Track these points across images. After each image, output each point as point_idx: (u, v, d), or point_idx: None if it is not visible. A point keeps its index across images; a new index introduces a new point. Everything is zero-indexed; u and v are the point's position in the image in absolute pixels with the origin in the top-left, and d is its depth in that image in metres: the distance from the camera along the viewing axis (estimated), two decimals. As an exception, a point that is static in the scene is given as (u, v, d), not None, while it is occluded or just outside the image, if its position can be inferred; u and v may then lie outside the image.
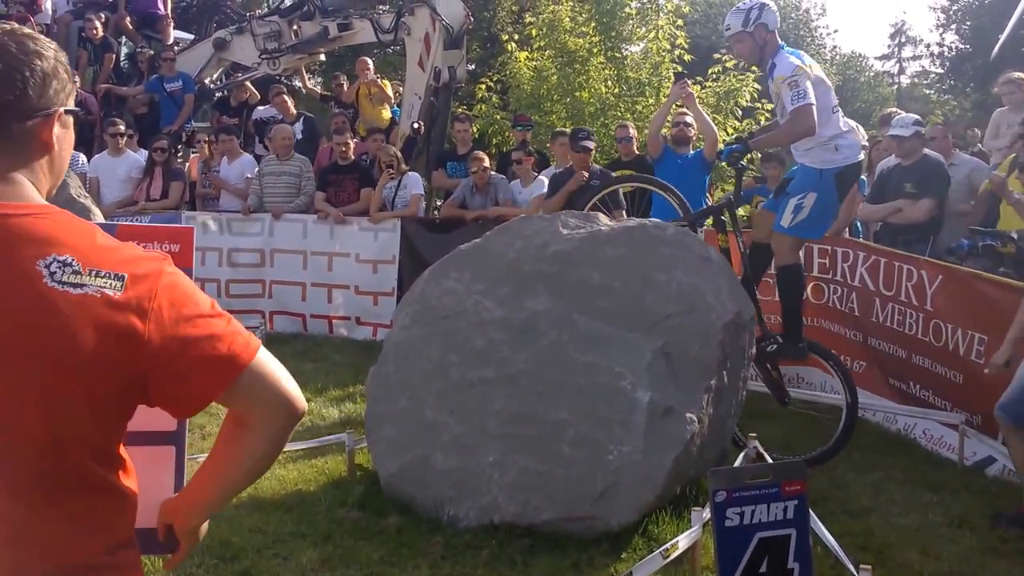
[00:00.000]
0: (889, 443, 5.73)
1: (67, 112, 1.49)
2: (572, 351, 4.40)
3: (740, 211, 6.10)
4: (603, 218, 5.04)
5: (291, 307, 8.56)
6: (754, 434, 4.81)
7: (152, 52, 11.74)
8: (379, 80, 10.85)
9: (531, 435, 4.23)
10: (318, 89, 14.08)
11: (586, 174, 7.51)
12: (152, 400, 1.46)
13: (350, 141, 9.10)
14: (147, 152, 9.41)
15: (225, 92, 11.98)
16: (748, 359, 4.90)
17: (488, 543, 3.96)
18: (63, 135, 1.50)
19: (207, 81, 11.83)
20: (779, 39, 5.36)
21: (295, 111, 10.51)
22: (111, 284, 1.38)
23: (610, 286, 4.59)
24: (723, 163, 5.60)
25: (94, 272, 1.37)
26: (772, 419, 5.73)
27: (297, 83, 13.08)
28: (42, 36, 1.47)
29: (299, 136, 9.83)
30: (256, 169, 9.12)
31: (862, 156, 5.68)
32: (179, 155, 10.28)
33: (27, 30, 1.46)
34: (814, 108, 4.98)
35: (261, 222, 8.67)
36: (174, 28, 13.08)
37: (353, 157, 9.04)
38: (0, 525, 1.35)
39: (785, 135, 5.36)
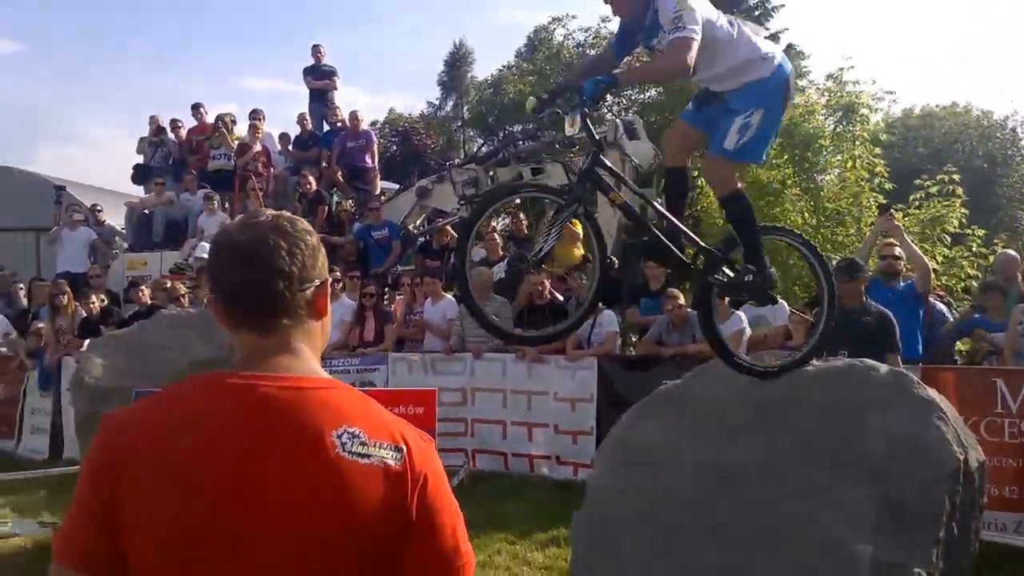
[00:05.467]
0: None
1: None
2: (782, 502, 4.20)
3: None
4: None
5: (493, 445, 8.66)
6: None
7: (357, 203, 12.71)
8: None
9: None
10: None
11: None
12: (397, 572, 1.52)
13: (546, 280, 9.35)
14: (356, 298, 10.06)
15: (427, 236, 12.73)
16: (980, 509, 4.50)
17: None
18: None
19: (411, 227, 12.63)
20: None
21: (502, 251, 10.98)
22: (392, 455, 1.48)
23: (820, 431, 4.39)
24: (586, 98, 4.25)
25: (377, 444, 1.48)
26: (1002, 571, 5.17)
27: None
28: (302, 219, 1.66)
29: (501, 275, 10.22)
30: (458, 310, 9.51)
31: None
32: (386, 298, 10.91)
33: (290, 215, 1.64)
34: (695, 43, 4.19)
35: (463, 361, 8.97)
36: (380, 179, 14.18)
37: (550, 296, 9.26)
38: None
39: (655, 68, 4.62)
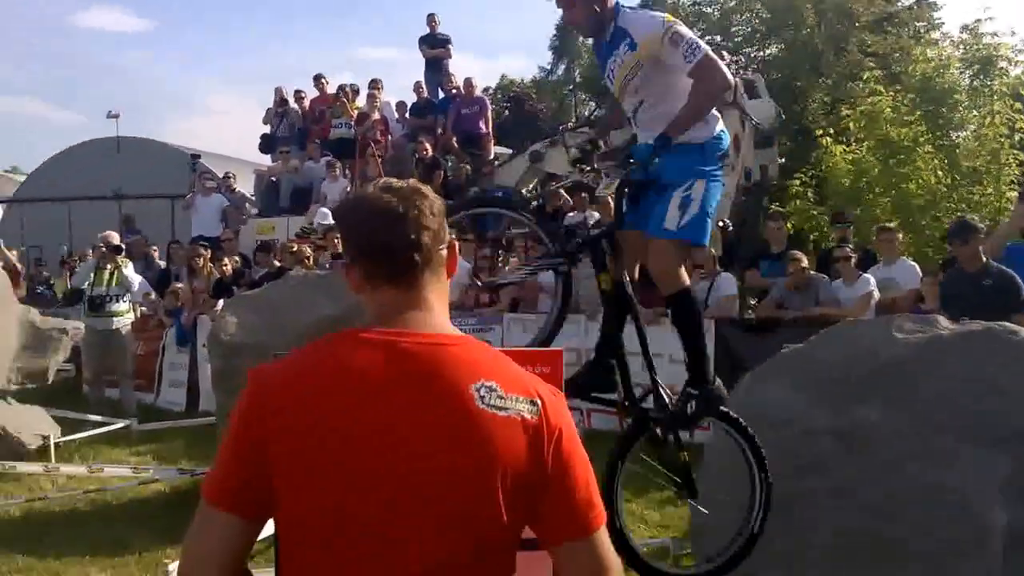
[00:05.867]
0: None
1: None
2: (909, 465, 4.07)
3: None
4: (943, 321, 4.66)
5: (608, 405, 8.64)
6: None
7: (471, 168, 12.84)
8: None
9: (863, 553, 3.95)
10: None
11: None
12: (532, 520, 1.58)
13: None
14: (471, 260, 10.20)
15: (541, 200, 12.75)
16: None
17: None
18: None
19: (524, 191, 12.67)
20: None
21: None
22: (528, 408, 1.54)
23: (951, 394, 4.22)
24: (634, 165, 3.79)
25: (514, 397, 1.53)
26: None
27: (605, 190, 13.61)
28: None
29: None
30: (573, 273, 9.52)
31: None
32: (500, 260, 11.01)
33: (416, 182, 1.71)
34: (712, 53, 3.83)
35: (577, 323, 8.92)
36: (494, 144, 14.26)
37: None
38: None
39: (704, 97, 3.83)
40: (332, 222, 12.55)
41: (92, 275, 9.90)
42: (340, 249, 10.57)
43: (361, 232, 1.63)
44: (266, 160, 16.49)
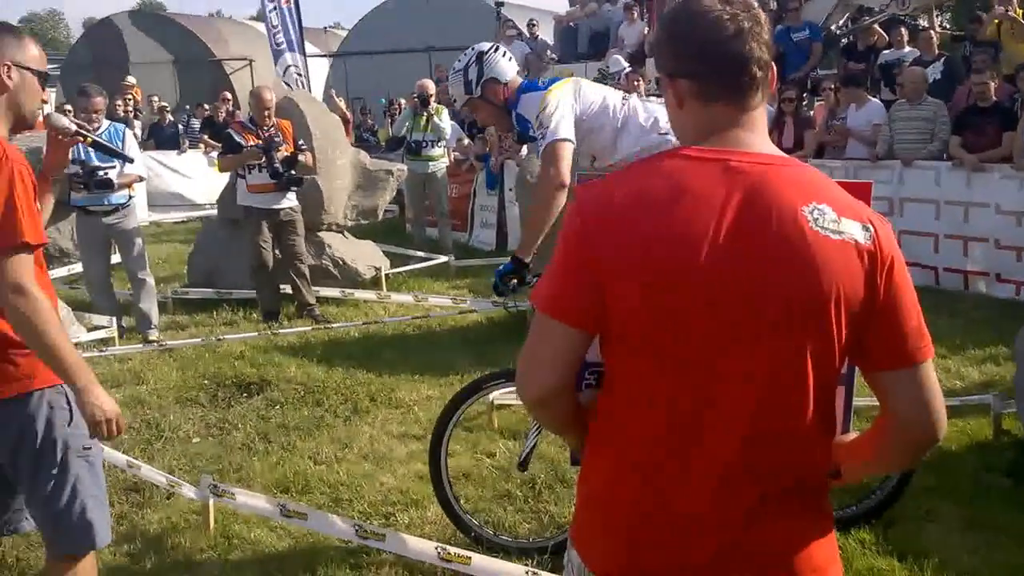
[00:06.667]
0: None
1: None
2: None
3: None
4: None
5: (922, 259, 8.10)
6: None
7: (775, 4, 12.07)
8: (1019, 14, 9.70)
9: None
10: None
11: None
12: (855, 352, 1.55)
13: (990, 82, 8.33)
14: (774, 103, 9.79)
15: (851, 37, 11.82)
16: None
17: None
18: None
19: (833, 27, 11.79)
20: (520, 81, 4.13)
21: (936, 51, 9.95)
22: (862, 233, 1.49)
23: None
24: (499, 290, 3.85)
25: (847, 221, 1.49)
26: None
27: (923, 23, 12.32)
28: None
29: (937, 76, 9.31)
30: (885, 115, 8.89)
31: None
32: (805, 103, 10.48)
33: None
34: (569, 140, 3.80)
35: (890, 170, 8.46)
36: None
37: (995, 98, 8.27)
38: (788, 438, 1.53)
39: (537, 209, 3.78)
40: (627, 67, 12.52)
41: (410, 122, 10.72)
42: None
43: (702, 41, 1.54)
44: (567, 7, 16.57)
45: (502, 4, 16.66)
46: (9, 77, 2.48)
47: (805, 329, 1.47)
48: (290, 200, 7.41)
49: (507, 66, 4.13)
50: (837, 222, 1.47)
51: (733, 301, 1.46)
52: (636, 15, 13.65)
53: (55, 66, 31.79)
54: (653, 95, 10.63)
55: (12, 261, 2.35)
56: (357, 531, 3.54)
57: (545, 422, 1.81)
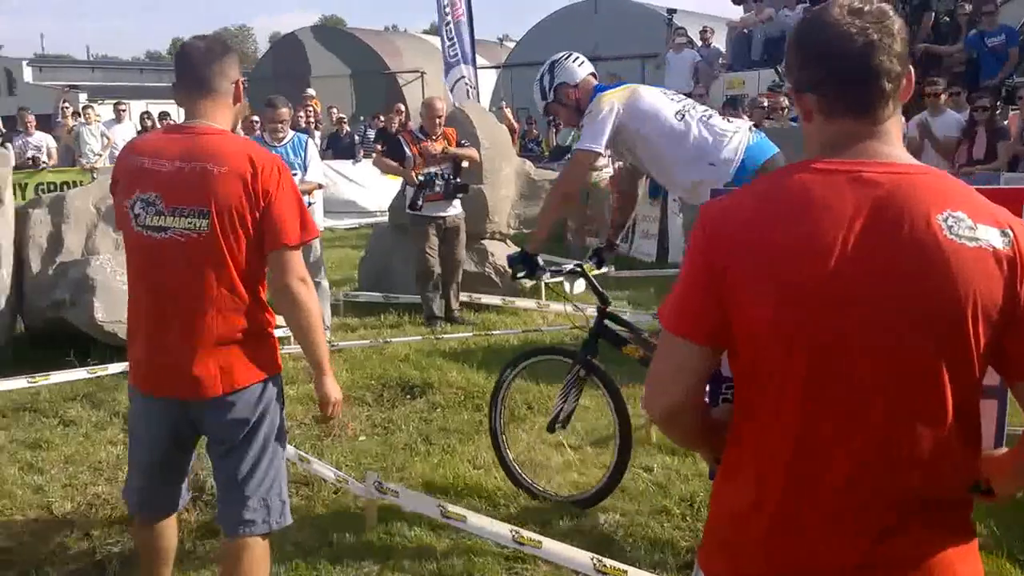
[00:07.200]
0: None
1: None
2: None
3: None
4: None
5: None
6: None
7: (968, 7, 11.36)
8: None
9: None
10: None
11: None
12: (996, 358, 1.52)
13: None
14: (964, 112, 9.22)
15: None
16: None
17: None
18: None
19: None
20: (594, 82, 4.39)
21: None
22: (1000, 239, 1.46)
23: None
24: (518, 275, 4.38)
25: (984, 227, 1.46)
26: None
27: None
28: None
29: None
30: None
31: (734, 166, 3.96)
32: (999, 112, 9.81)
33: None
34: (588, 158, 4.20)
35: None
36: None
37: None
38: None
39: (551, 200, 4.51)
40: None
41: (574, 132, 10.75)
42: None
43: (827, 56, 1.55)
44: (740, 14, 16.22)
45: (674, 11, 16.48)
46: (238, 91, 2.85)
47: (940, 338, 1.45)
48: (456, 208, 7.63)
49: (576, 69, 4.39)
50: (973, 228, 1.45)
51: (862, 312, 1.45)
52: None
53: (242, 79, 34.16)
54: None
55: (298, 255, 2.76)
56: (514, 536, 3.56)
57: (675, 438, 1.83)
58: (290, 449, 4.41)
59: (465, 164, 7.54)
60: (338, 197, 15.22)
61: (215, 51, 2.80)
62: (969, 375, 1.48)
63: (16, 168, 10.39)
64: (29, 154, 12.89)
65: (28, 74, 39.89)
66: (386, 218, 9.57)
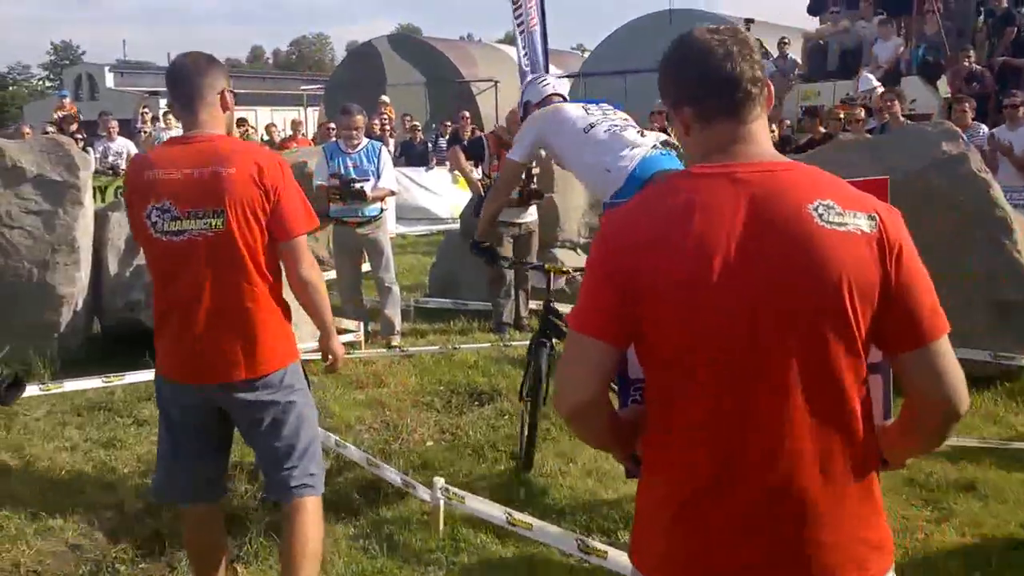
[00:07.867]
0: None
1: None
2: None
3: None
4: None
5: None
6: None
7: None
8: None
9: None
10: None
11: None
12: (876, 335, 1.61)
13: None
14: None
15: None
16: None
17: None
18: None
19: None
20: (555, 100, 5.01)
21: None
22: (867, 223, 1.58)
23: None
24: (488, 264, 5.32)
25: (852, 213, 1.58)
26: None
27: None
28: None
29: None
30: None
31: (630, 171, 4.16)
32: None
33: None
34: (514, 161, 4.75)
35: None
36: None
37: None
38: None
39: (490, 198, 5.23)
40: (877, 86, 11.81)
41: None
42: (863, 113, 9.95)
43: (697, 66, 1.69)
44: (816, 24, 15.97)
45: (752, 21, 16.29)
46: (225, 99, 3.04)
47: (825, 322, 1.55)
48: (531, 215, 7.60)
49: (541, 89, 5.19)
50: (843, 215, 1.57)
51: (750, 306, 1.55)
52: (891, 30, 12.89)
53: (319, 86, 34.73)
54: (905, 116, 9.99)
55: (306, 243, 3.03)
56: (579, 546, 3.56)
57: (585, 437, 1.89)
58: (358, 453, 4.49)
59: (536, 170, 7.54)
60: (410, 204, 15.39)
61: (200, 65, 3.01)
62: (856, 354, 1.58)
63: (96, 173, 10.70)
64: (110, 159, 13.18)
65: (110, 79, 41.17)
66: (457, 225, 9.65)
